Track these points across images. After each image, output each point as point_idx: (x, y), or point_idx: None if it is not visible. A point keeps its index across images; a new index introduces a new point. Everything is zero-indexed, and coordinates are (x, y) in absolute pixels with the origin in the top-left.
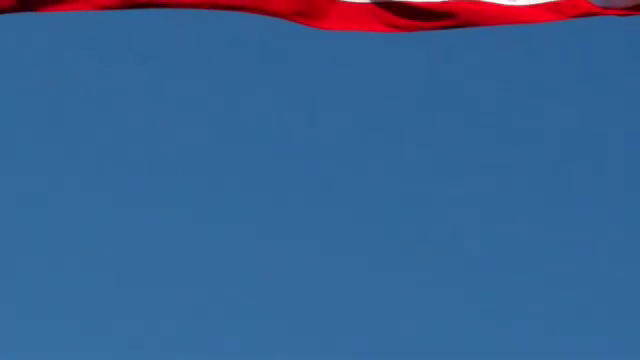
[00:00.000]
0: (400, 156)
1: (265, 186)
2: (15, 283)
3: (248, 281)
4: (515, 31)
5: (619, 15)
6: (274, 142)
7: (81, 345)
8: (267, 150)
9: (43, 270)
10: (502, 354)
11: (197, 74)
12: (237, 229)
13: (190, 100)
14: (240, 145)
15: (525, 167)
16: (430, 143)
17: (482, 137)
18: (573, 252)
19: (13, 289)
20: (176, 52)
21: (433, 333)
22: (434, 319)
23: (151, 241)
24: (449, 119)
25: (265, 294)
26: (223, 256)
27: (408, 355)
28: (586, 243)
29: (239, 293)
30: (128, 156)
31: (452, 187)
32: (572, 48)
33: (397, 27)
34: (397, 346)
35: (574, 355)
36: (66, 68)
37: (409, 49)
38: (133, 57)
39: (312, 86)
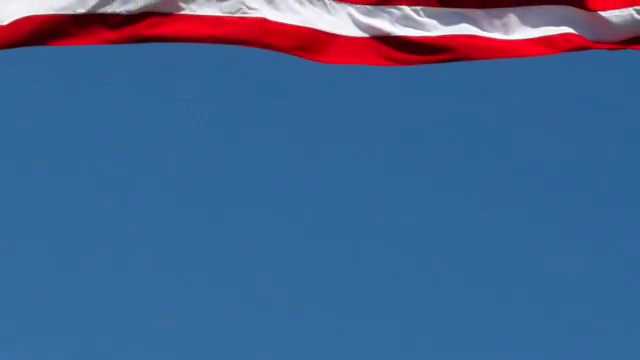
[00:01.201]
0: (398, 187)
1: (264, 218)
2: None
3: (247, 314)
4: (509, 64)
5: (611, 49)
6: (273, 174)
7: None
8: (266, 181)
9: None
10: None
11: (200, 106)
12: (236, 260)
13: (191, 132)
14: (240, 177)
15: (523, 198)
16: (427, 174)
17: (478, 167)
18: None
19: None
20: (179, 84)
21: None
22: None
23: (153, 268)
24: (446, 150)
25: (266, 326)
26: (223, 286)
27: None
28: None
29: (235, 322)
30: (128, 182)
31: (450, 219)
32: (564, 80)
33: (395, 60)
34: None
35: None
36: (70, 98)
37: (407, 81)
38: (135, 88)
39: (312, 117)
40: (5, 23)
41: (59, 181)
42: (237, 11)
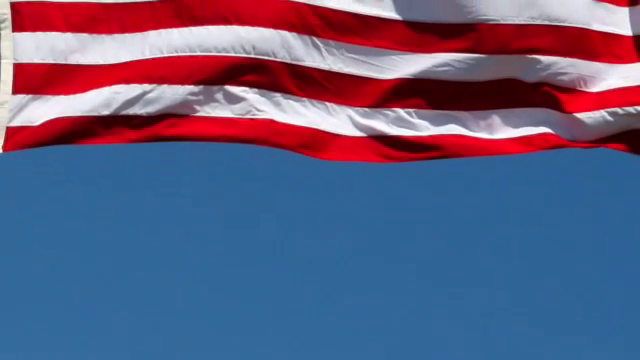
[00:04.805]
0: (395, 273)
1: (267, 304)
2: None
3: None
4: (493, 161)
5: (584, 147)
6: (277, 263)
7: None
8: (270, 271)
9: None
10: None
11: (208, 199)
12: (242, 343)
13: (197, 224)
14: (243, 268)
15: (512, 280)
16: (421, 260)
17: (469, 254)
18: None
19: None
20: (192, 178)
21: None
22: None
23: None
24: (438, 238)
25: None
26: None
27: None
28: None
29: None
30: (138, 273)
31: (444, 302)
32: (543, 175)
33: (390, 157)
34: None
35: None
36: (88, 193)
37: (400, 176)
38: (147, 185)
39: (314, 210)
40: (36, 124)
41: (70, 278)
42: (247, 113)
